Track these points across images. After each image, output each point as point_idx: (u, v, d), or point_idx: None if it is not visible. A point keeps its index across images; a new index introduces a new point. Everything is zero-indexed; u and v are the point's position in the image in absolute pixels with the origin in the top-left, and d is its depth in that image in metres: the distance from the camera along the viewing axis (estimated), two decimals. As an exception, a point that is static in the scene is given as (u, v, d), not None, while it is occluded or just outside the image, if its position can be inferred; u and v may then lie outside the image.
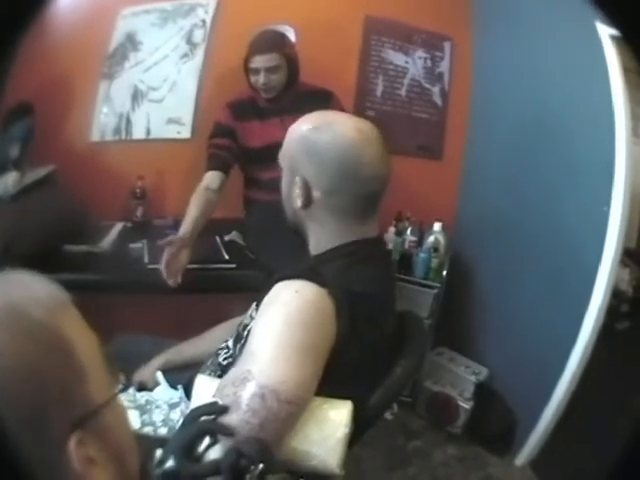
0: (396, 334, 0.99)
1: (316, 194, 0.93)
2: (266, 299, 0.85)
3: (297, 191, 0.94)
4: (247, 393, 0.73)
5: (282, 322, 0.79)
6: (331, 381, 0.79)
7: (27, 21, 0.66)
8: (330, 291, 0.82)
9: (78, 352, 0.49)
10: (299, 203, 0.94)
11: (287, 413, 0.74)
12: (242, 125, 1.89)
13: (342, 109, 1.96)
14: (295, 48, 1.92)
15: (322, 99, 1.90)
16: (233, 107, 1.91)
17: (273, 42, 1.85)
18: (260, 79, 1.81)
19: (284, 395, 0.73)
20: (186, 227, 1.72)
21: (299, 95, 1.88)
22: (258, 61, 1.80)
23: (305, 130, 0.95)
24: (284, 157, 0.98)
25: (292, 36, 2.03)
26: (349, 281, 0.86)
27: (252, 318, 0.96)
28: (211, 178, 1.82)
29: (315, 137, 0.93)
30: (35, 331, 0.46)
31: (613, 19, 0.65)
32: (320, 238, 0.96)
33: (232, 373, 0.78)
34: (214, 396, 0.77)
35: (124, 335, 1.42)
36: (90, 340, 0.52)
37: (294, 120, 1.82)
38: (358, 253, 0.94)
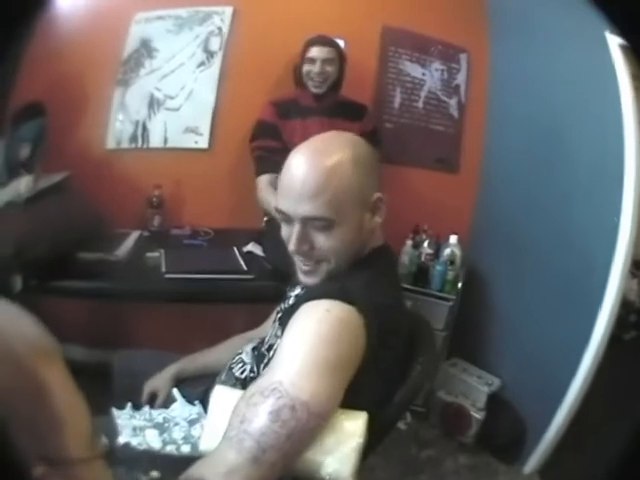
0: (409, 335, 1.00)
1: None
2: (295, 317, 0.85)
3: (369, 215, 0.93)
4: (277, 403, 0.73)
5: (314, 339, 0.79)
6: (354, 391, 0.80)
7: (27, 20, 0.66)
8: (359, 308, 0.83)
9: (56, 402, 0.51)
10: (379, 221, 0.94)
11: (315, 425, 0.76)
12: (285, 123, 1.95)
13: (374, 127, 2.03)
14: (346, 57, 2.02)
15: (358, 112, 2.01)
16: (277, 105, 1.97)
17: (331, 39, 1.97)
18: (315, 68, 1.92)
19: (314, 408, 0.74)
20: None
21: (339, 102, 1.98)
22: (316, 51, 1.92)
23: (350, 154, 0.91)
24: (341, 200, 0.88)
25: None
26: (374, 295, 0.88)
27: (277, 337, 0.97)
28: (268, 181, 1.88)
29: (358, 150, 0.93)
30: (13, 366, 0.49)
31: (620, 29, 0.66)
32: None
33: (260, 383, 0.78)
34: (238, 405, 0.77)
35: (124, 352, 1.42)
36: (74, 399, 0.55)
37: (331, 124, 1.86)
38: (376, 263, 0.95)
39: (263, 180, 1.91)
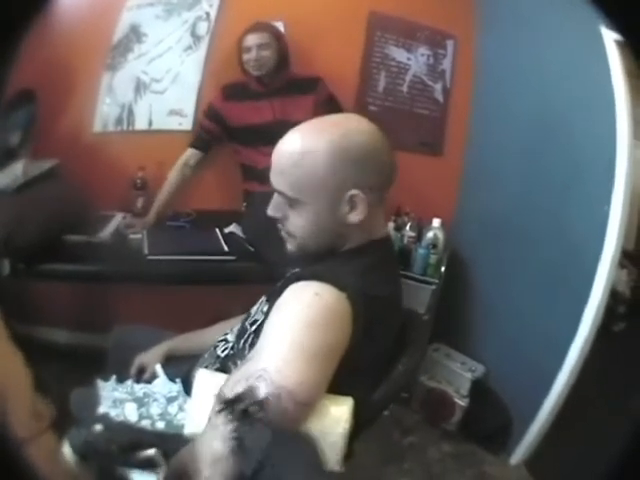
0: (399, 332, 0.99)
1: (370, 197, 0.90)
2: (283, 297, 0.84)
3: (346, 209, 0.90)
4: (262, 392, 0.72)
5: (302, 324, 0.78)
6: (339, 379, 0.79)
7: (29, 20, 0.66)
8: (349, 295, 0.81)
9: None
10: (358, 217, 0.90)
11: (300, 414, 0.74)
12: (230, 105, 2.03)
13: (330, 94, 2.07)
14: (284, 36, 2.06)
15: (310, 84, 2.04)
16: (225, 88, 2.05)
17: (264, 24, 2.02)
18: (252, 55, 1.97)
19: (300, 397, 0.72)
20: (152, 213, 2.03)
21: (288, 81, 2.02)
22: (250, 39, 1.97)
23: (331, 143, 0.88)
24: (304, 184, 0.89)
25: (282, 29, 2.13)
26: (367, 285, 0.86)
27: (263, 313, 0.96)
28: (190, 155, 2.06)
29: (347, 141, 0.89)
30: None
31: (614, 23, 0.65)
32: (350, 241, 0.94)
33: (245, 369, 0.76)
34: (222, 391, 0.76)
35: (123, 326, 1.42)
36: (15, 375, 0.50)
37: (282, 103, 1.97)
38: (374, 254, 0.93)
39: (186, 154, 2.06)
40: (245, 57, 1.99)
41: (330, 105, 2.01)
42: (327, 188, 0.88)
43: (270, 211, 0.94)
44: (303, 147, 0.89)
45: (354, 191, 0.88)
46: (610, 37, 1.66)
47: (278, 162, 0.91)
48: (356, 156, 0.88)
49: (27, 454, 0.48)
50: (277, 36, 2.01)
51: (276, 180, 0.92)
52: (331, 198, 0.89)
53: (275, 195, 0.93)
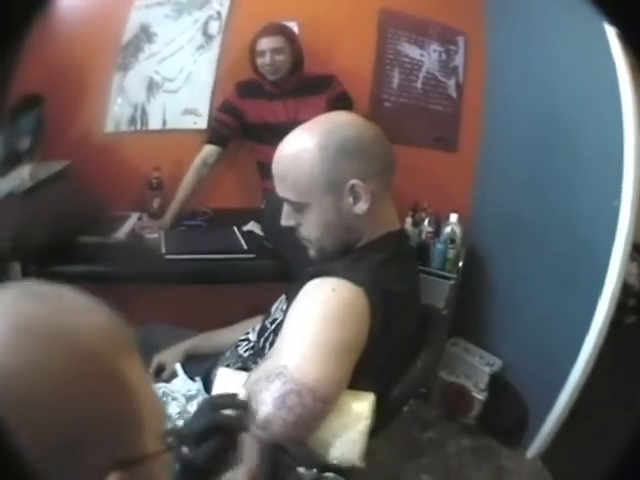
0: (418, 328, 0.99)
1: (372, 186, 0.89)
2: (301, 295, 0.84)
3: (350, 200, 0.89)
4: (283, 389, 0.72)
5: (320, 320, 0.78)
6: (356, 376, 0.79)
7: (29, 21, 0.65)
8: (365, 290, 0.81)
9: (139, 400, 0.45)
10: (364, 207, 0.90)
11: (321, 411, 0.74)
12: (246, 102, 2.02)
13: (344, 91, 2.06)
14: (298, 39, 2.04)
15: (324, 83, 2.03)
16: (240, 86, 2.04)
17: (278, 27, 1.98)
18: (266, 60, 1.94)
19: (320, 393, 0.73)
20: (169, 215, 2.00)
21: (302, 81, 2.01)
22: (264, 43, 1.94)
23: (321, 138, 0.89)
24: (304, 184, 0.90)
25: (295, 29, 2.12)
26: (383, 279, 0.86)
27: (282, 312, 0.96)
28: (208, 152, 2.02)
29: (337, 134, 0.89)
30: (100, 374, 0.42)
31: (612, 18, 0.66)
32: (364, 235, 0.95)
33: (265, 367, 0.76)
34: (243, 388, 0.76)
35: (143, 325, 1.40)
36: (151, 392, 0.49)
37: (295, 104, 1.97)
38: (388, 249, 0.93)
39: (203, 151, 2.02)
40: (259, 61, 1.96)
41: (341, 101, 2.00)
42: (326, 183, 0.89)
43: (283, 221, 0.95)
44: (296, 148, 0.90)
45: (353, 181, 0.88)
46: (614, 33, 1.67)
47: (277, 169, 0.92)
48: (348, 147, 0.88)
49: (142, 471, 0.47)
50: (291, 39, 1.98)
51: (279, 188, 0.92)
52: (333, 193, 0.89)
53: (284, 205, 0.94)
